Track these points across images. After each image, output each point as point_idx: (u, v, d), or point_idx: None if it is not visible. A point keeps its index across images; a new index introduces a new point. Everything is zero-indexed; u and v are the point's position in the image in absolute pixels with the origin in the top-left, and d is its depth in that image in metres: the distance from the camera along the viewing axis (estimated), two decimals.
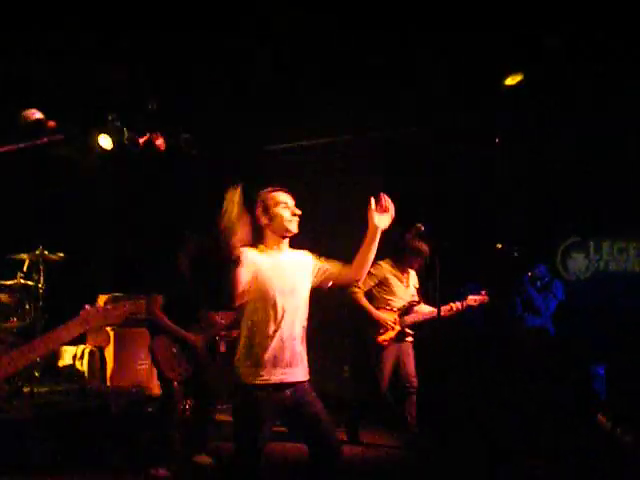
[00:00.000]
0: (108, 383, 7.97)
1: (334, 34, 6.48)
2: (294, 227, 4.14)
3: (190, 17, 6.45)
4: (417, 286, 6.87)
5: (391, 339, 6.58)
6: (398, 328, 6.58)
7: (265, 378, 3.95)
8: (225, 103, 8.07)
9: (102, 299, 8.38)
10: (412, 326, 6.66)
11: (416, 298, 6.76)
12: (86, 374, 7.96)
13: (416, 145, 7.95)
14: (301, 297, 4.19)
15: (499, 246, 6.22)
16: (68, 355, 8.12)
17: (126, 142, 8.24)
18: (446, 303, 6.55)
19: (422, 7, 6.23)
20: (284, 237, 4.18)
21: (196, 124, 8.57)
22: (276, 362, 4.00)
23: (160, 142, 8.29)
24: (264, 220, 4.13)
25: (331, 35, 6.50)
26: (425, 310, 6.70)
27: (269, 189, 4.24)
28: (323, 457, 4.09)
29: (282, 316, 4.05)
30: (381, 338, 6.53)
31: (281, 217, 4.11)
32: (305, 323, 4.20)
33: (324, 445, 4.07)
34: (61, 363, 8.11)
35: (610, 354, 7.16)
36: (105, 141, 8.24)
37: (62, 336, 3.04)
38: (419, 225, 4.11)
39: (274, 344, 4.01)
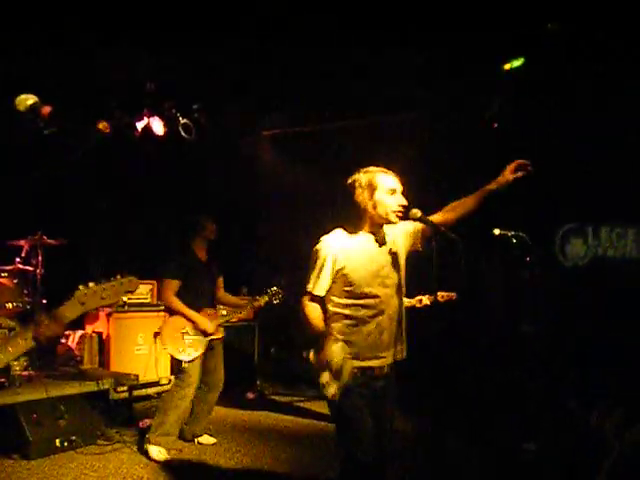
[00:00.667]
0: (106, 368, 7.99)
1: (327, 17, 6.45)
2: (396, 219, 3.96)
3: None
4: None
5: None
6: None
7: (359, 362, 3.88)
8: (224, 87, 8.04)
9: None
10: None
11: None
12: (85, 359, 7.99)
13: (410, 131, 7.95)
14: (396, 279, 4.05)
15: (497, 232, 6.14)
16: (67, 340, 8.13)
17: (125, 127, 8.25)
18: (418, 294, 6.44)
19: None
20: (382, 225, 4.03)
21: (195, 108, 8.55)
22: (370, 348, 3.92)
23: (158, 127, 8.28)
24: (368, 205, 3.95)
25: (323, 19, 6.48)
26: (417, 300, 6.48)
27: (374, 169, 4.05)
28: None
29: (377, 303, 3.94)
30: None
31: (386, 205, 3.92)
32: (401, 307, 4.09)
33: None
34: (59, 348, 8.12)
35: (608, 339, 7.15)
36: (104, 126, 8.23)
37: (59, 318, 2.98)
38: (415, 211, 4.03)
39: (368, 332, 3.92)
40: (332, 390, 3.77)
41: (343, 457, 3.98)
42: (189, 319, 6.29)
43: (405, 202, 3.95)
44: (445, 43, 6.68)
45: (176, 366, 6.50)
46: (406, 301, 6.40)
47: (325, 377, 3.77)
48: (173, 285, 6.32)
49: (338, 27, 6.47)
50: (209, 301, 6.58)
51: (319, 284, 3.94)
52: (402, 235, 4.14)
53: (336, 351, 3.77)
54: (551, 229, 8.07)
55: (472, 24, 6.39)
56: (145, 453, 6.10)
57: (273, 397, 8.80)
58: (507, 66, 7.08)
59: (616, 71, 6.74)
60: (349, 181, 4.06)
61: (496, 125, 7.74)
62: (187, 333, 6.28)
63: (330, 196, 8.57)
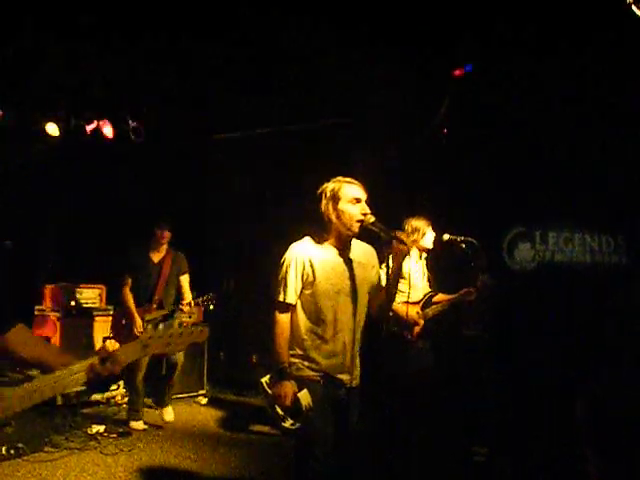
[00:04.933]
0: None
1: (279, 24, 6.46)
2: (356, 228, 3.94)
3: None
4: (428, 274, 6.37)
5: (417, 335, 6.00)
6: (422, 322, 6.01)
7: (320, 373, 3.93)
8: (174, 90, 7.99)
9: (49, 288, 8.33)
10: (432, 319, 6.13)
11: (428, 288, 6.30)
12: None
13: (363, 135, 7.97)
14: (360, 300, 4.06)
15: (445, 237, 6.17)
16: None
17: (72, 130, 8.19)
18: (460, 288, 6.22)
19: None
20: (348, 236, 4.01)
21: (145, 112, 8.49)
22: (333, 367, 3.94)
23: (107, 130, 8.22)
24: (332, 215, 3.96)
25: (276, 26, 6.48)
26: (444, 299, 6.24)
27: (341, 179, 4.04)
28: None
29: (338, 319, 3.95)
30: (414, 332, 5.97)
31: (348, 214, 3.92)
32: (362, 328, 4.09)
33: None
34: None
35: (554, 343, 7.23)
36: (52, 128, 8.18)
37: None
38: (369, 216, 4.04)
39: (331, 350, 3.94)
40: (288, 424, 3.79)
41: (298, 463, 3.97)
42: (128, 311, 7.15)
43: (368, 210, 3.94)
44: (399, 48, 6.70)
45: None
46: (445, 297, 6.26)
47: (280, 411, 3.80)
48: (125, 281, 7.27)
49: (299, 30, 6.47)
50: (148, 296, 7.26)
51: (289, 292, 3.95)
52: (373, 270, 4.18)
53: (303, 397, 3.81)
54: (499, 233, 8.14)
55: (425, 29, 6.43)
56: (92, 461, 6.07)
57: (223, 402, 8.76)
58: (456, 72, 7.12)
59: (564, 62, 6.78)
60: (318, 191, 4.07)
61: (445, 131, 7.79)
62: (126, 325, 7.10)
63: (285, 200, 8.59)
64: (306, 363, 3.93)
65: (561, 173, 7.51)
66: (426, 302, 6.20)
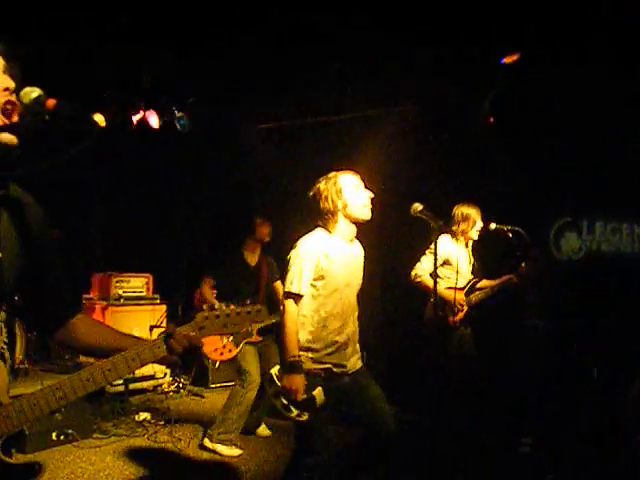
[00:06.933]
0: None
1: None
2: (369, 212, 4.02)
3: None
4: (473, 261, 6.37)
5: (460, 320, 6.05)
6: (466, 308, 6.05)
7: (323, 365, 3.97)
8: (220, 80, 8.01)
9: (96, 277, 8.42)
10: (475, 306, 6.14)
11: (471, 275, 6.29)
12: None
13: (405, 123, 7.93)
14: (357, 291, 4.18)
15: (492, 226, 6.14)
16: None
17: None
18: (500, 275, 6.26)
19: None
20: (356, 224, 4.08)
21: (191, 102, 8.52)
22: (335, 357, 4.00)
23: (154, 121, 8.24)
24: (339, 205, 3.98)
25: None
26: (487, 286, 6.24)
27: (336, 172, 4.08)
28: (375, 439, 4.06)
29: (344, 310, 4.04)
30: (457, 317, 6.02)
31: (357, 201, 3.98)
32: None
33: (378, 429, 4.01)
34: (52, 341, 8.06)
35: (600, 336, 7.15)
36: (99, 119, 8.21)
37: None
38: (416, 205, 4.05)
39: (339, 336, 4.00)
40: (294, 414, 3.82)
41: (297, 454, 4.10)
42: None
43: (372, 195, 4.02)
44: (439, 37, 6.66)
45: (236, 368, 6.39)
46: (488, 283, 6.23)
47: (285, 400, 3.82)
48: (208, 282, 6.49)
49: (333, 20, 6.46)
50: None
51: (302, 283, 3.96)
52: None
53: (318, 395, 3.85)
54: (546, 223, 8.07)
55: (467, 18, 6.39)
56: (139, 447, 6.12)
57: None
58: (506, 60, 7.06)
59: (613, 67, 6.72)
60: (311, 193, 4.10)
61: (492, 120, 7.73)
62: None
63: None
64: (310, 354, 3.96)
65: (608, 163, 7.42)
66: (470, 289, 6.21)
